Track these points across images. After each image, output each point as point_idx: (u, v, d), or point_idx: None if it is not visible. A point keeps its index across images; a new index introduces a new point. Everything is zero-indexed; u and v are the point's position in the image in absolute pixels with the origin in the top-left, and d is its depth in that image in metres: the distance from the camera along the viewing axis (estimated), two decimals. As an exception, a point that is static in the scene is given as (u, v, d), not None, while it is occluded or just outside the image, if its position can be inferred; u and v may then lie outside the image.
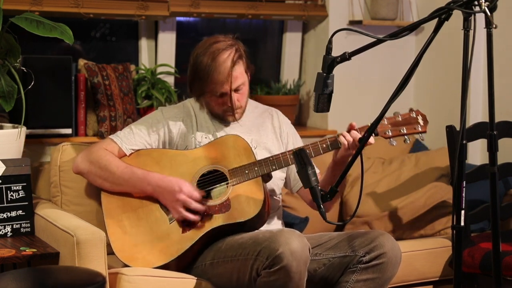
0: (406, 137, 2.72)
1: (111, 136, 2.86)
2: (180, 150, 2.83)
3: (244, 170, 2.71)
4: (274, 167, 2.72)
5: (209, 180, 2.77)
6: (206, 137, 2.84)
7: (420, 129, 2.72)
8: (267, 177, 2.75)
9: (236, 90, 2.79)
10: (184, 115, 2.89)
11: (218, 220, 2.69)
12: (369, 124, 2.71)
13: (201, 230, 2.69)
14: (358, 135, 2.65)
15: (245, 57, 2.81)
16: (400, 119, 2.73)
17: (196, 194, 2.70)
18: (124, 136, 2.84)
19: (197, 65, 2.77)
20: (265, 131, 2.94)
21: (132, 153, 2.83)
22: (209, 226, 2.69)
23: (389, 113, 2.74)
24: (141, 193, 2.77)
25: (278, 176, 2.88)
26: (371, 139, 2.64)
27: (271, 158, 2.72)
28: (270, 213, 2.76)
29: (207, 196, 2.76)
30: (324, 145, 2.71)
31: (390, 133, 2.71)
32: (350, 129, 2.70)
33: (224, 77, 2.74)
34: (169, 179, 2.72)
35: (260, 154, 2.84)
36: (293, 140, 2.96)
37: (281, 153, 2.73)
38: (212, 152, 2.78)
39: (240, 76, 2.78)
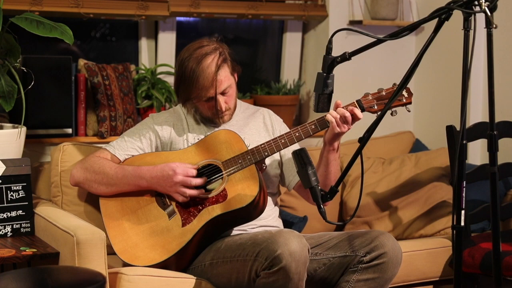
0: (392, 110, 2.73)
1: (104, 146, 2.90)
2: (173, 151, 2.85)
3: (238, 160, 2.73)
4: (266, 154, 2.73)
5: (204, 175, 2.78)
6: (198, 138, 2.86)
7: (405, 100, 2.73)
8: (261, 165, 2.76)
9: (223, 93, 2.81)
10: (175, 119, 2.92)
11: (216, 210, 2.69)
12: (355, 101, 2.72)
13: (201, 222, 2.69)
14: (345, 112, 2.67)
15: (229, 60, 2.83)
16: (384, 93, 2.74)
17: (192, 170, 2.71)
18: (117, 144, 2.88)
19: (182, 70, 2.79)
20: (257, 129, 2.95)
21: (126, 159, 2.85)
22: (208, 217, 2.69)
23: (373, 90, 2.77)
24: (137, 189, 2.78)
25: (273, 174, 2.89)
26: (359, 114, 2.67)
27: (262, 146, 2.74)
28: (267, 201, 2.75)
29: (204, 189, 2.76)
30: (313, 126, 2.73)
31: (376, 107, 2.73)
32: (336, 107, 2.71)
33: (209, 82, 2.76)
34: (159, 166, 2.74)
35: None
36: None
37: (272, 139, 2.74)
38: (204, 148, 2.79)
39: (225, 79, 2.79)
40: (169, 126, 2.90)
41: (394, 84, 2.74)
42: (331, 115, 2.68)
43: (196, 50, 2.79)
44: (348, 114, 2.67)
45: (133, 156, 2.86)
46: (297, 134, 2.73)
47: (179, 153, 2.82)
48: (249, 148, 2.76)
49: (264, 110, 3.05)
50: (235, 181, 2.72)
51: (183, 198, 2.71)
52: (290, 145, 2.74)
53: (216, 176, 2.77)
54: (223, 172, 2.74)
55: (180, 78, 2.81)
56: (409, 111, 2.76)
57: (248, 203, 2.65)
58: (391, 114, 2.72)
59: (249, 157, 2.73)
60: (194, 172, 2.72)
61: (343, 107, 2.70)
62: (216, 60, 2.77)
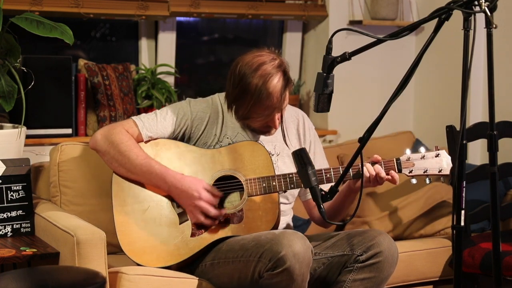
0: (428, 177, 2.72)
1: (134, 118, 2.78)
2: (199, 148, 2.78)
3: (262, 183, 2.68)
4: (292, 186, 2.69)
5: (225, 186, 2.73)
6: (228, 137, 2.79)
7: (443, 172, 2.72)
8: (282, 191, 2.74)
9: (278, 112, 2.74)
10: (212, 111, 2.82)
11: (228, 231, 2.68)
12: (394, 159, 2.71)
13: (210, 239, 2.68)
14: (381, 172, 2.66)
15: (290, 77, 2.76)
16: (426, 158, 2.72)
17: (215, 199, 2.66)
18: (147, 122, 2.76)
19: (245, 85, 2.67)
20: (289, 137, 2.89)
21: (149, 140, 2.76)
22: (218, 235, 2.67)
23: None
24: (155, 187, 2.73)
25: None
26: (396, 179, 2.66)
27: (290, 176, 2.69)
28: (278, 226, 2.75)
29: (221, 201, 2.73)
30: (328, 175, 2.70)
31: (414, 172, 2.72)
32: (375, 162, 2.69)
33: (274, 103, 2.68)
34: (187, 182, 2.66)
35: (281, 162, 2.82)
36: (314, 149, 2.92)
37: None
38: (232, 156, 2.74)
39: (285, 99, 2.72)
40: (205, 117, 2.80)
41: (436, 147, 2.75)
42: (368, 171, 2.66)
43: (260, 66, 2.67)
44: (384, 175, 2.66)
45: (157, 139, 2.77)
46: (327, 176, 2.69)
47: (205, 153, 2.76)
48: (276, 166, 2.73)
49: (299, 114, 2.96)
50: (254, 206, 2.68)
51: (196, 221, 2.67)
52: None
53: (237, 192, 2.73)
54: (244, 192, 2.69)
55: (241, 92, 2.69)
56: (443, 181, 2.76)
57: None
58: (424, 180, 2.72)
59: (274, 183, 2.68)
60: (217, 201, 2.67)
61: (380, 164, 2.68)
62: (282, 80, 2.68)
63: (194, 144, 2.80)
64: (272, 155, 2.79)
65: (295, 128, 2.93)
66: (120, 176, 2.75)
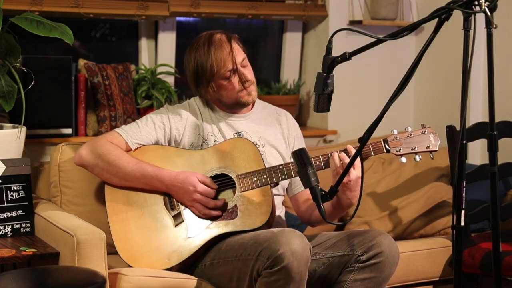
0: (417, 155, 2.72)
1: (116, 130, 2.82)
2: (187, 150, 2.81)
3: (253, 177, 2.70)
4: (283, 177, 2.70)
5: (217, 184, 2.74)
6: (212, 135, 2.83)
7: (431, 148, 2.72)
8: (274, 184, 2.74)
9: (242, 66, 2.79)
10: (190, 113, 2.87)
11: (223, 228, 2.68)
12: (381, 140, 2.70)
13: (206, 237, 2.68)
14: (345, 158, 2.64)
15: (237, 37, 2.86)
16: (412, 136, 2.72)
17: (212, 191, 2.68)
18: (130, 130, 2.80)
19: (196, 59, 2.79)
20: (273, 131, 2.92)
21: (137, 148, 2.79)
22: (214, 233, 2.68)
23: (400, 127, 2.76)
24: (152, 189, 2.74)
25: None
26: (356, 162, 2.60)
27: (280, 167, 2.71)
28: (274, 220, 2.75)
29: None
30: (318, 162, 2.71)
31: (402, 151, 2.71)
32: (344, 150, 2.68)
33: (226, 53, 2.76)
34: (181, 177, 2.69)
35: (268, 152, 2.84)
36: (299, 145, 2.94)
37: (291, 163, 2.70)
38: (221, 154, 2.75)
39: (239, 51, 2.80)
40: (184, 119, 2.85)
41: (423, 125, 2.75)
42: (334, 160, 2.64)
43: (200, 38, 2.83)
44: (336, 157, 2.63)
45: (144, 146, 2.80)
46: (317, 163, 2.70)
47: (194, 154, 2.78)
48: (264, 156, 2.73)
49: (281, 112, 3.01)
50: (247, 200, 2.69)
51: (198, 213, 2.70)
52: None
53: (229, 188, 2.74)
54: (237, 188, 2.71)
55: (196, 68, 2.79)
56: (432, 158, 2.75)
57: (257, 227, 2.65)
58: (414, 159, 2.70)
59: (265, 176, 2.69)
60: (214, 192, 2.69)
61: (370, 145, 2.68)
62: (224, 35, 2.81)
63: (180, 147, 2.82)
64: (258, 146, 2.82)
65: (279, 123, 2.96)
66: (112, 186, 2.78)
